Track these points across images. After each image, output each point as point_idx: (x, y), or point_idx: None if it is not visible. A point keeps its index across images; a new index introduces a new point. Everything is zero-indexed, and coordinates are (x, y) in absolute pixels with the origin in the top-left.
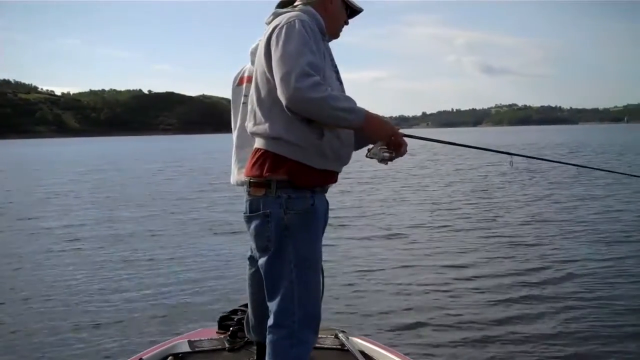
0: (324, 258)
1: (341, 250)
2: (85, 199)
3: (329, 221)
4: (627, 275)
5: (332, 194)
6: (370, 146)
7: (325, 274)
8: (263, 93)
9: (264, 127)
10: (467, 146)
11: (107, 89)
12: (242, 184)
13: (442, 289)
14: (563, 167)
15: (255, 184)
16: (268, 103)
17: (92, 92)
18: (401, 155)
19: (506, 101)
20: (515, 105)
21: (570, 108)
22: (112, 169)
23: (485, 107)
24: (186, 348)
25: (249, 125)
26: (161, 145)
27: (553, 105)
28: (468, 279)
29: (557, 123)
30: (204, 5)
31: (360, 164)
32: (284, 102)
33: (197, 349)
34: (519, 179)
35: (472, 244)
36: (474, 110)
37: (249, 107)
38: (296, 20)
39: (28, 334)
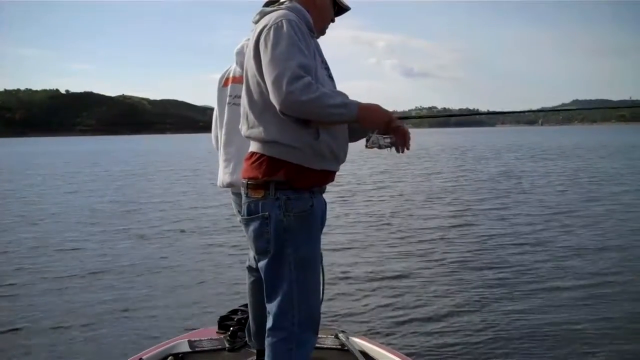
0: (323, 258)
1: (341, 250)
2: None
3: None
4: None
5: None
6: (368, 136)
7: (325, 274)
8: (255, 96)
9: (258, 130)
10: (483, 113)
11: (22, 88)
12: (228, 185)
13: (442, 289)
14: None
15: (253, 185)
16: (260, 106)
17: (6, 92)
18: (406, 147)
19: (426, 104)
20: (435, 107)
21: (488, 110)
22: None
23: (407, 109)
24: (186, 348)
25: (243, 129)
26: (85, 148)
27: (471, 108)
28: (468, 279)
29: (475, 125)
30: (125, 2)
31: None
32: (277, 106)
33: (197, 349)
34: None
35: (473, 244)
36: (395, 112)
37: (241, 109)
38: (283, 21)
39: (27, 335)
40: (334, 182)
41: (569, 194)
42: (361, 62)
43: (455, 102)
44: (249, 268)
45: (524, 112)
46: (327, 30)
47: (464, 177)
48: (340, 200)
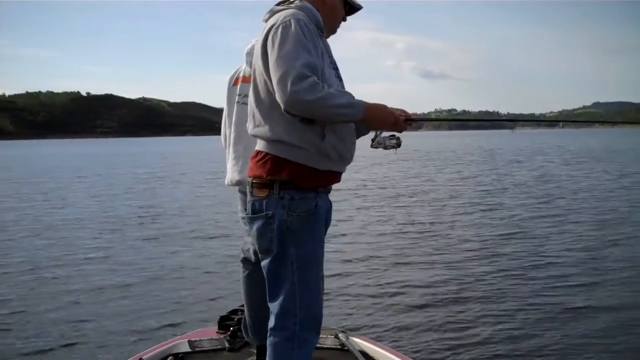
0: (324, 258)
1: (341, 250)
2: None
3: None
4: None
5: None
6: (373, 135)
7: (325, 274)
8: (262, 94)
9: (264, 129)
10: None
11: (43, 90)
12: (236, 183)
13: (442, 289)
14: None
15: (257, 184)
16: (267, 104)
17: (28, 94)
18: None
19: (446, 106)
20: (455, 110)
21: (508, 113)
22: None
23: (426, 111)
24: (186, 348)
25: (249, 127)
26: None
27: (491, 110)
28: (468, 279)
29: (494, 128)
30: (143, 4)
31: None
32: (281, 105)
33: (197, 349)
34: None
35: (473, 243)
36: (414, 114)
37: (249, 108)
38: (292, 20)
39: (27, 334)
40: (341, 184)
41: (615, 200)
42: (380, 64)
43: (474, 104)
44: (243, 260)
45: (559, 121)
46: (345, 32)
47: (499, 181)
48: (349, 201)
